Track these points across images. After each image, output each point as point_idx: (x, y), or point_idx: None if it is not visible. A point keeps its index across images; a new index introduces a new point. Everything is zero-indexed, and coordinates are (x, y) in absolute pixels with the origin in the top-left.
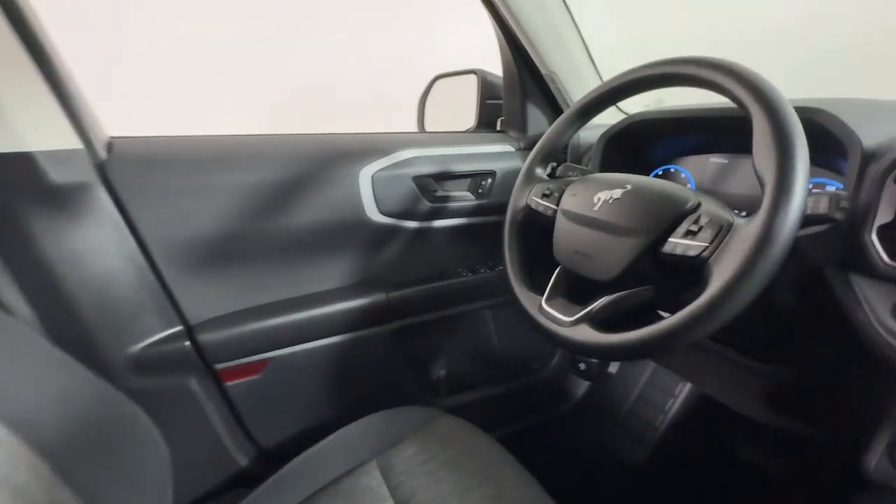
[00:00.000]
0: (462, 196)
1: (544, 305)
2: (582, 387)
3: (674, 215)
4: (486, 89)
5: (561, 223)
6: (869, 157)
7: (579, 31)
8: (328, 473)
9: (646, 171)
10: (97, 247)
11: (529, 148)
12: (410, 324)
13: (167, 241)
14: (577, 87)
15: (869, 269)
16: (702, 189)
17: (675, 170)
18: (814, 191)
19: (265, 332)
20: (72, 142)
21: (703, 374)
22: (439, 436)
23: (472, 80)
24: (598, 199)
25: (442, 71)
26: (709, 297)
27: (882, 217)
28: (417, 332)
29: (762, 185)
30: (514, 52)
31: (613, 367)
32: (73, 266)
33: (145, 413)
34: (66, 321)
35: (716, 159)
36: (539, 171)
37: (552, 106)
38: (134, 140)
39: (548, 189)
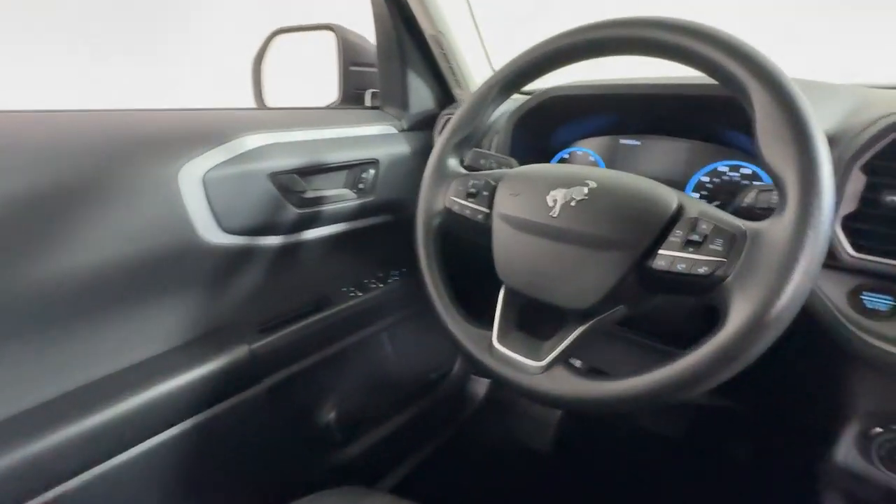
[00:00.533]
0: (339, 195)
1: (498, 345)
2: (483, 386)
3: (660, 220)
4: (349, 53)
5: (503, 233)
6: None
7: None
8: None
9: (547, 157)
10: None
11: (415, 129)
12: (287, 377)
13: None
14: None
15: (829, 261)
16: None
17: (583, 152)
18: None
19: (43, 458)
20: None
21: (611, 359)
22: None
23: (328, 39)
24: (556, 201)
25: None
26: (739, 327)
27: (846, 207)
28: (297, 383)
29: (779, 180)
30: (389, 2)
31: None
32: None
33: None
34: None
35: (627, 141)
36: (453, 162)
37: (438, 76)
38: None
39: (472, 187)
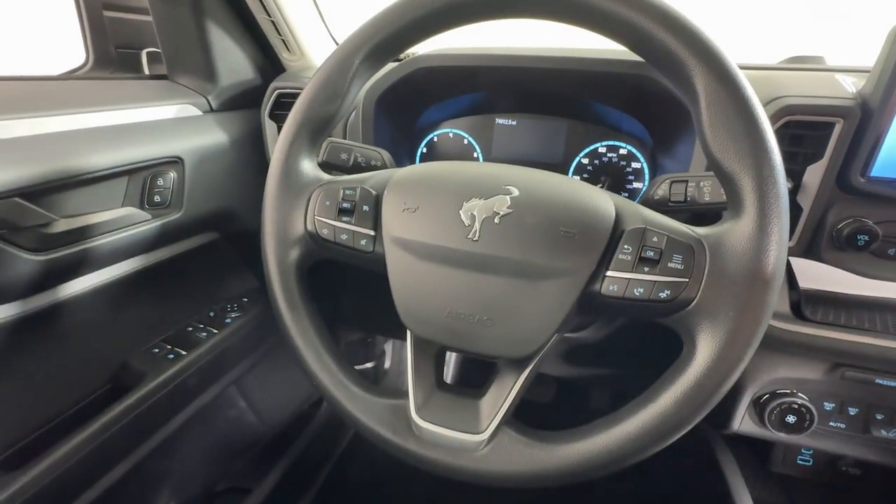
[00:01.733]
0: (119, 218)
1: (420, 421)
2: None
3: (605, 235)
4: None
5: (401, 264)
6: None
7: None
8: None
9: (416, 140)
10: None
11: (229, 108)
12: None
13: None
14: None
15: None
16: (492, 157)
17: (455, 134)
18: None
19: None
20: None
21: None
22: None
23: None
24: (473, 218)
25: None
26: (710, 363)
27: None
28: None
29: (731, 178)
30: None
31: (388, 363)
32: None
33: None
34: None
35: (503, 121)
36: (308, 165)
37: (256, 34)
38: None
39: (345, 199)
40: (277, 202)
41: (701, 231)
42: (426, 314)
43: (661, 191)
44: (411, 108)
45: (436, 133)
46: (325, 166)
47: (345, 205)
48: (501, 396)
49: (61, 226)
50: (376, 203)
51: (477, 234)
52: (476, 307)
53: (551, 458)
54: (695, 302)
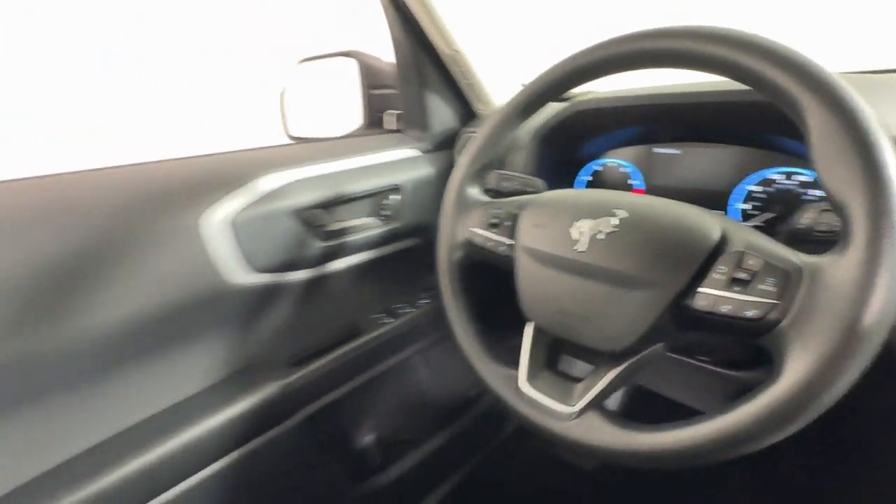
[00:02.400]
0: (363, 225)
1: (525, 388)
2: None
3: (700, 254)
4: (371, 77)
5: (527, 268)
6: None
7: None
8: None
9: (576, 170)
10: None
11: (438, 149)
12: (322, 407)
13: None
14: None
15: None
16: (654, 186)
17: (616, 164)
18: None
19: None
20: None
21: (667, 382)
22: None
23: (350, 66)
24: (581, 234)
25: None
26: (797, 384)
27: None
28: (332, 412)
29: (842, 209)
30: (405, 26)
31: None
32: None
33: None
34: None
35: (663, 150)
36: (474, 190)
37: (458, 94)
38: None
39: (494, 217)
40: (448, 216)
41: (805, 259)
42: (542, 309)
43: (808, 219)
44: (571, 142)
45: (598, 163)
46: (492, 192)
47: (493, 220)
48: (594, 384)
49: (335, 226)
50: (515, 220)
51: (583, 247)
52: (578, 306)
53: (625, 442)
54: (781, 324)
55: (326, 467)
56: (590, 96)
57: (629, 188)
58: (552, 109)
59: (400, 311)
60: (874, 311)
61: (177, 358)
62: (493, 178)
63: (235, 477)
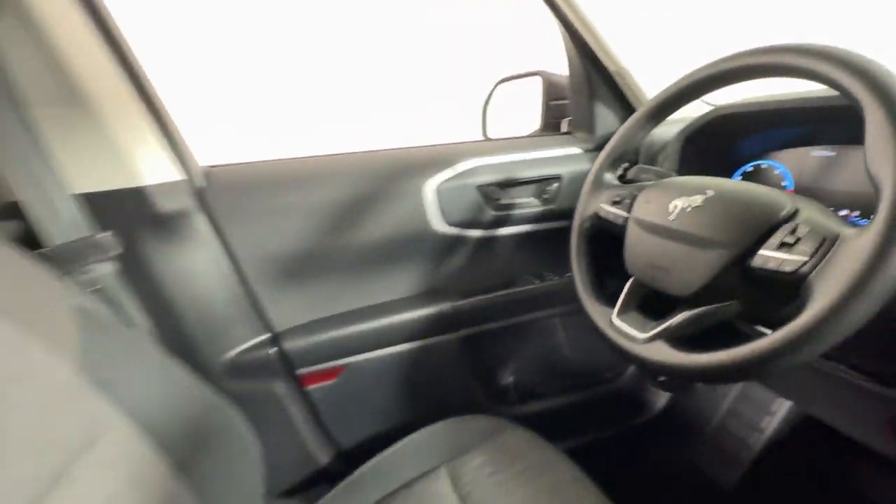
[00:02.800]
0: (527, 203)
1: (615, 320)
2: (662, 398)
3: (765, 224)
4: (551, 90)
5: (633, 233)
6: None
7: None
8: (401, 476)
9: (733, 169)
10: (198, 267)
11: (598, 149)
12: (478, 332)
13: (255, 257)
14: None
15: None
16: (802, 187)
17: (769, 165)
18: None
19: (341, 340)
20: (175, 174)
21: (807, 393)
22: (508, 447)
23: (537, 83)
24: (675, 207)
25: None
26: (810, 317)
27: None
28: (485, 340)
29: (877, 189)
30: (579, 48)
31: None
32: (179, 284)
33: (240, 414)
34: (174, 331)
35: (819, 152)
36: (608, 175)
37: (622, 104)
38: (228, 167)
39: (618, 196)
40: (584, 195)
41: (845, 230)
42: (639, 263)
43: None
44: (720, 142)
45: (750, 165)
46: (630, 181)
47: (616, 199)
48: (667, 321)
49: (504, 201)
50: (633, 199)
51: (673, 217)
52: (664, 261)
53: (683, 360)
54: (809, 276)
55: (474, 381)
56: (730, 103)
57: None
58: (698, 112)
59: (547, 277)
60: (880, 272)
61: (394, 272)
62: (634, 171)
63: (415, 358)
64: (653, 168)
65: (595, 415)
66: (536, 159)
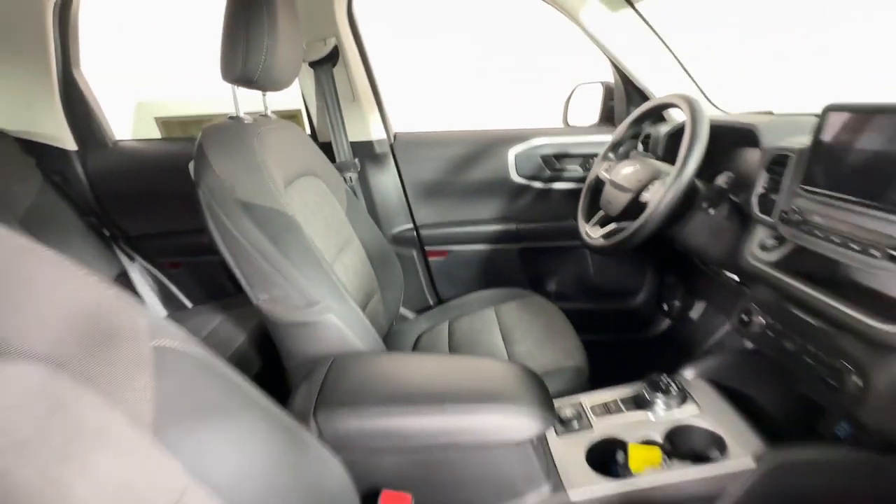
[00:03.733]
0: (573, 170)
1: (586, 225)
2: (664, 323)
3: (653, 178)
4: (610, 95)
5: (607, 187)
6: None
7: (678, 61)
8: (468, 309)
9: None
10: (389, 183)
11: None
12: (531, 247)
13: (413, 182)
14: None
15: (749, 218)
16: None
17: None
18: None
19: (450, 235)
20: (382, 134)
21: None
22: (536, 305)
23: (601, 88)
24: (627, 171)
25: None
26: (643, 217)
27: (759, 188)
28: (535, 254)
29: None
30: (622, 76)
31: (695, 313)
32: (379, 190)
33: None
34: (372, 213)
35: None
36: (610, 154)
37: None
38: (405, 133)
39: (609, 166)
40: (595, 165)
41: (667, 172)
42: (603, 201)
43: None
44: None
45: None
46: (621, 159)
47: (605, 168)
48: (606, 229)
49: (558, 167)
50: (611, 168)
51: (618, 178)
52: (611, 197)
53: (602, 243)
54: (648, 201)
55: (524, 279)
56: None
57: None
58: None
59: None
60: (671, 193)
61: (487, 200)
62: (632, 153)
63: (488, 256)
64: (640, 152)
65: (608, 320)
66: (584, 142)
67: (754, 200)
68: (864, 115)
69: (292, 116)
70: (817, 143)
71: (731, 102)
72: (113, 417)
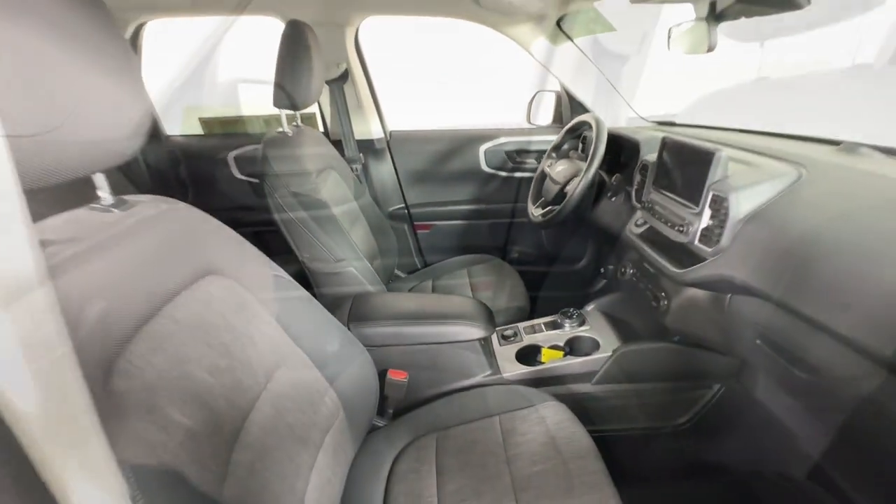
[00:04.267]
0: (530, 162)
1: (532, 207)
2: (601, 282)
3: (569, 177)
4: (560, 102)
5: (546, 179)
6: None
7: (607, 79)
8: (445, 271)
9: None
10: (384, 171)
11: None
12: (498, 223)
13: (406, 171)
14: (603, 111)
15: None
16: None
17: None
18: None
19: (433, 213)
20: (381, 133)
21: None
22: (498, 266)
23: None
24: (559, 168)
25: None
26: (565, 201)
27: (635, 185)
28: (502, 227)
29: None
30: (566, 90)
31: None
32: (377, 181)
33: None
34: (372, 193)
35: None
36: (553, 153)
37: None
38: (399, 131)
39: (550, 162)
40: (542, 162)
41: (586, 171)
42: (544, 189)
43: None
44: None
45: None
46: (564, 157)
47: (549, 164)
48: (546, 209)
49: (518, 160)
50: (552, 165)
51: (554, 172)
52: (548, 187)
53: (543, 218)
54: (568, 186)
55: (492, 245)
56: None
57: None
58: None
59: None
60: (581, 186)
61: (461, 185)
62: (570, 153)
63: (463, 229)
64: (577, 153)
65: (559, 282)
66: (538, 140)
67: (633, 193)
68: (679, 145)
69: (307, 118)
70: (660, 158)
71: (648, 109)
72: (252, 301)
